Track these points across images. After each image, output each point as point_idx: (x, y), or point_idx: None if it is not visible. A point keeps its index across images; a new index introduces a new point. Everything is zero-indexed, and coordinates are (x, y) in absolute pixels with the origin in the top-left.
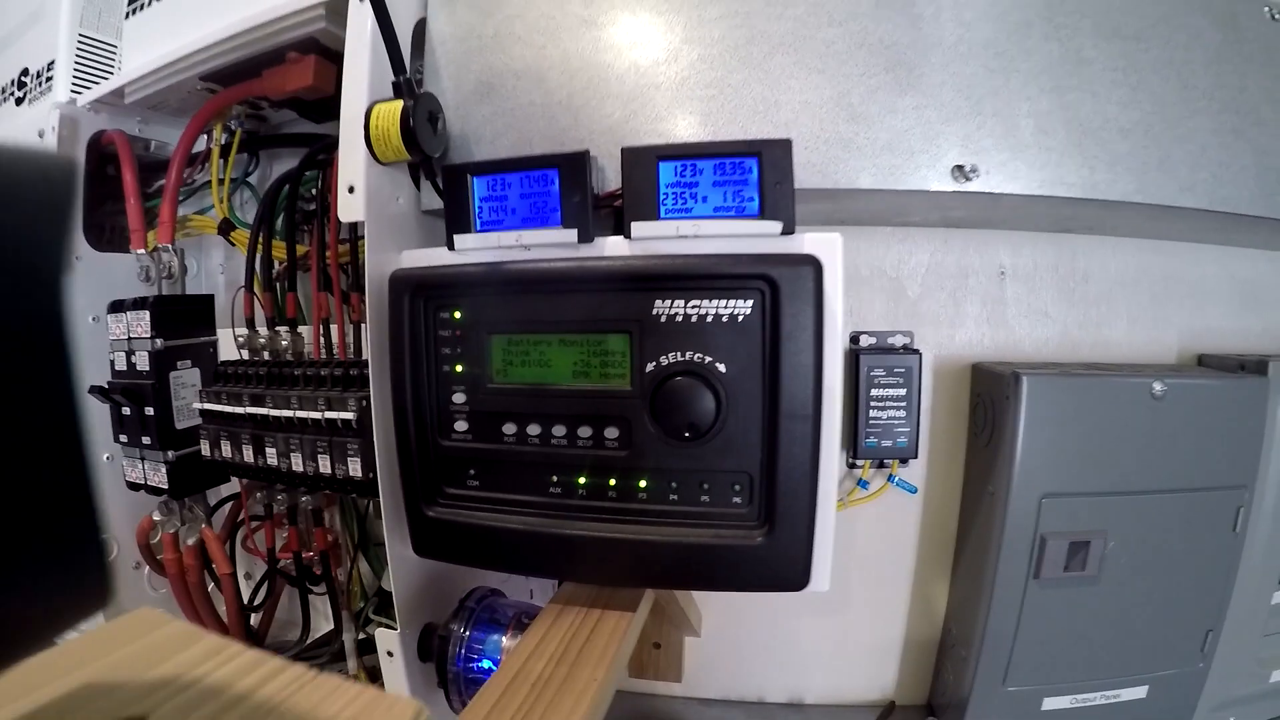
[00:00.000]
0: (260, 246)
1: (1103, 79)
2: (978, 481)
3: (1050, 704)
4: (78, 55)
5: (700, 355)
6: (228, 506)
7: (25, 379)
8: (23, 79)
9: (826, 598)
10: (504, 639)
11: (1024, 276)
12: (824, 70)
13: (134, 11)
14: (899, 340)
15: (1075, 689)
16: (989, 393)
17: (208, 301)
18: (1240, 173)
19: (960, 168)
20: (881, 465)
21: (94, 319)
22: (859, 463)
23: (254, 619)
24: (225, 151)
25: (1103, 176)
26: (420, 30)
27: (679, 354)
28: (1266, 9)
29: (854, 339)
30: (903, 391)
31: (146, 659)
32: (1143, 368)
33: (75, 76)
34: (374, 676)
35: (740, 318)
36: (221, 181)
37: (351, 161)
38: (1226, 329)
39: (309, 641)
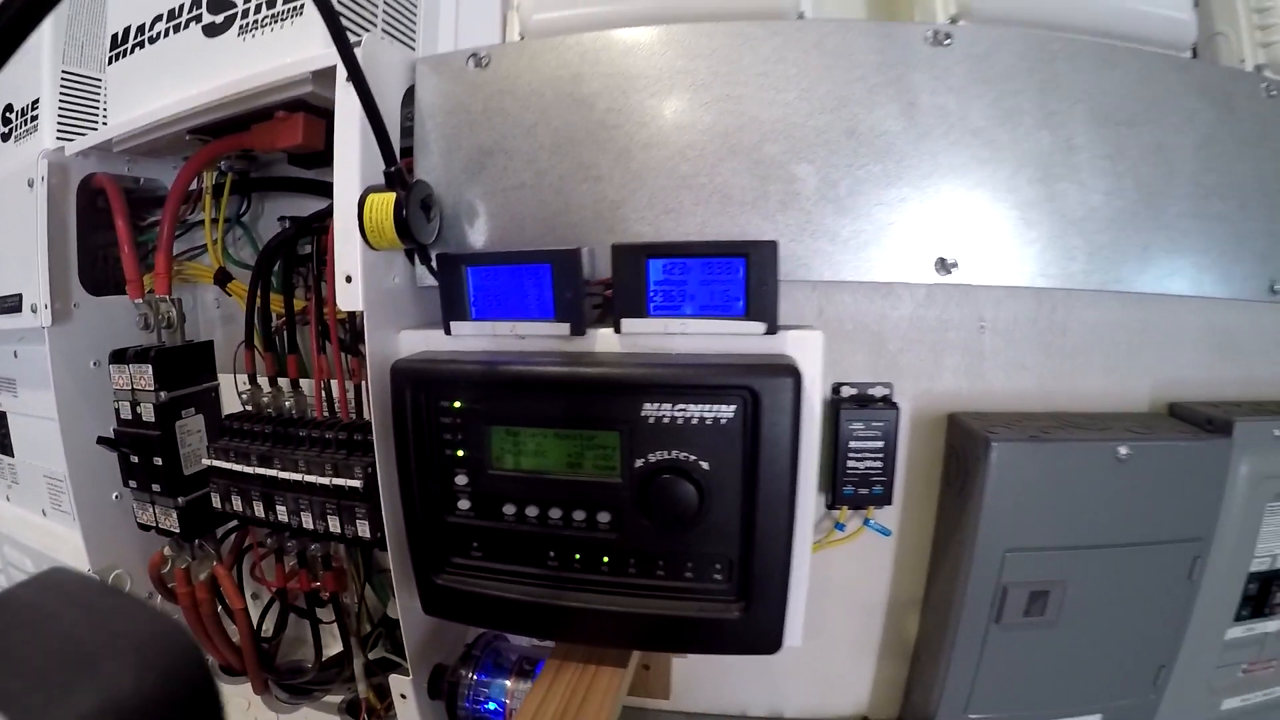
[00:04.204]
0: (259, 300)
1: (1091, 167)
2: (948, 526)
3: None
4: (62, 94)
5: (685, 454)
6: (234, 534)
7: None
8: (7, 115)
9: (805, 623)
10: (508, 682)
11: (1003, 330)
12: (813, 160)
13: (117, 57)
14: (879, 391)
15: (1031, 717)
16: (962, 445)
17: (208, 348)
18: (1220, 258)
19: (943, 260)
20: (858, 508)
21: (95, 364)
22: (837, 508)
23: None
24: (218, 192)
25: (1081, 267)
26: (409, 98)
27: (665, 452)
28: (1264, 85)
29: (835, 389)
30: (880, 444)
31: None
32: (1115, 419)
33: (61, 114)
34: (382, 695)
35: (723, 420)
36: (215, 222)
37: (347, 251)
38: (1201, 378)
39: (324, 661)
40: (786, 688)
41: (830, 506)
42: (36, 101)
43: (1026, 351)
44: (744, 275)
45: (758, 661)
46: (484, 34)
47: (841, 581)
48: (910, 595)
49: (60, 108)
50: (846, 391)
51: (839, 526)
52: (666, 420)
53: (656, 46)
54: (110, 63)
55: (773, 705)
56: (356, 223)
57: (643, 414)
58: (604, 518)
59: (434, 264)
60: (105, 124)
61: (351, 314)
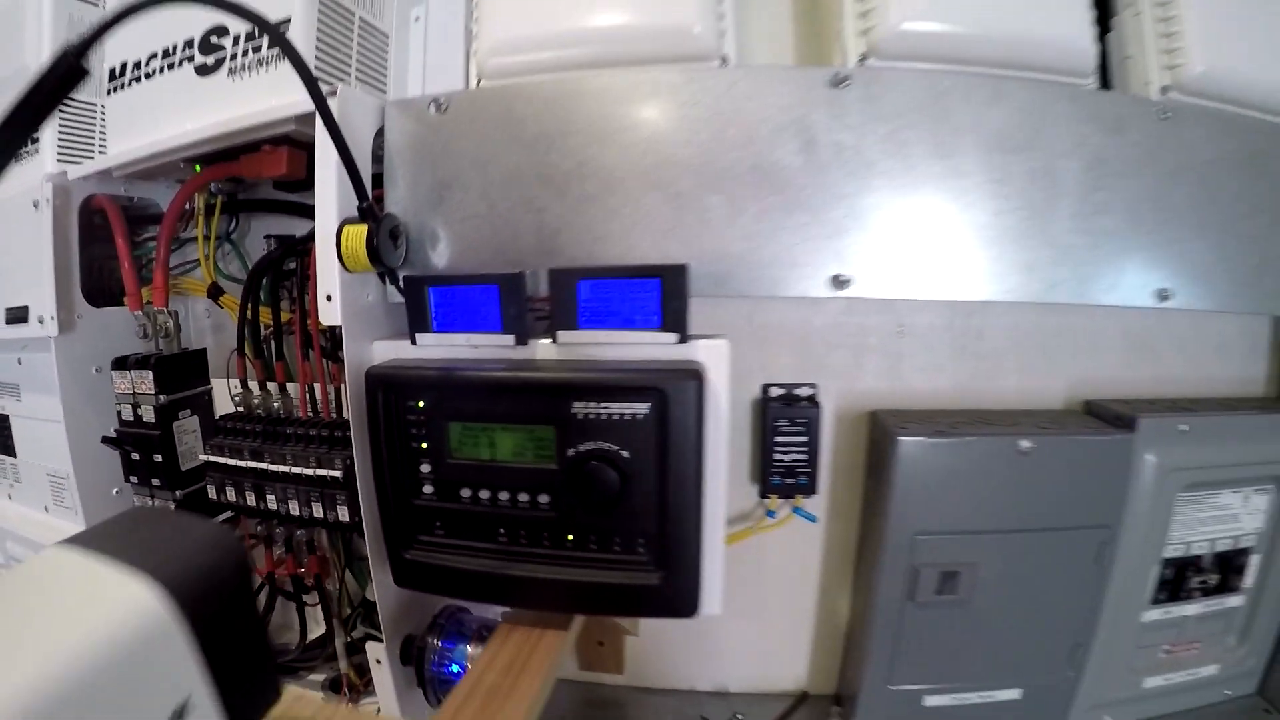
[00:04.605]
0: (249, 314)
1: (979, 190)
2: (870, 513)
3: (931, 701)
4: (62, 119)
5: (609, 445)
6: (226, 525)
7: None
8: None
9: (745, 604)
10: (469, 647)
11: (920, 334)
12: (723, 192)
13: (115, 89)
14: (805, 391)
15: (954, 689)
16: (879, 439)
17: (201, 356)
18: (1107, 268)
19: (837, 278)
20: (786, 496)
21: (96, 369)
22: (767, 496)
23: None
24: (209, 211)
25: (968, 280)
26: (379, 139)
27: (592, 443)
28: (1156, 109)
29: (765, 389)
30: (804, 439)
31: None
32: (1028, 415)
33: (61, 139)
34: (361, 673)
35: (639, 416)
36: (207, 238)
37: (328, 273)
38: (1119, 377)
39: (308, 642)
40: (731, 665)
41: (762, 495)
42: None
43: (943, 354)
44: (659, 293)
45: (704, 639)
46: (449, 76)
47: (777, 564)
48: (841, 577)
49: (60, 133)
50: (774, 392)
51: (770, 514)
52: (593, 416)
53: (590, 94)
54: (109, 93)
55: (718, 681)
56: (335, 250)
57: (573, 411)
58: (544, 499)
59: (401, 284)
60: (104, 149)
61: (331, 327)
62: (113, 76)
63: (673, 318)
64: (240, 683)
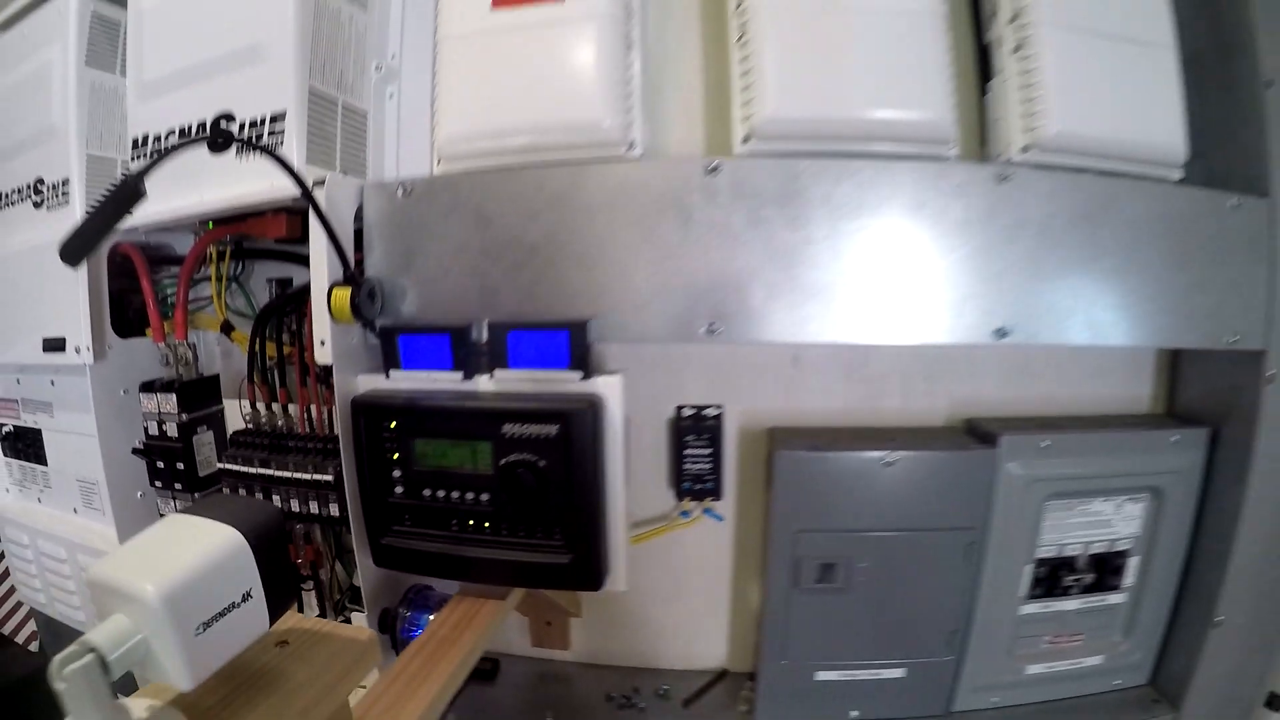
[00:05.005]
0: (257, 348)
1: (827, 254)
2: (767, 514)
3: (822, 676)
4: (89, 176)
5: (530, 456)
6: None
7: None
8: (39, 185)
9: (670, 591)
10: (431, 617)
11: (813, 362)
12: (618, 261)
13: (138, 157)
14: (712, 411)
15: (842, 667)
16: (771, 452)
17: (215, 381)
18: (946, 311)
19: (710, 326)
20: (697, 499)
21: (124, 391)
22: (681, 499)
23: None
24: (220, 257)
25: (817, 327)
26: (359, 214)
27: (518, 455)
28: (993, 173)
29: (679, 410)
30: (709, 451)
31: None
32: (910, 432)
33: (89, 192)
34: None
35: (552, 435)
36: (219, 278)
37: (320, 324)
38: (1002, 397)
39: None
40: (662, 644)
41: (678, 498)
42: (67, 181)
43: (834, 379)
44: (568, 342)
45: (639, 622)
46: (419, 145)
47: (696, 557)
48: (751, 569)
49: (88, 187)
50: (686, 412)
51: (684, 514)
52: (518, 435)
53: (518, 183)
54: (133, 159)
55: (650, 658)
56: (325, 307)
57: (504, 431)
58: (484, 497)
59: (377, 333)
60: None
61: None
62: (135, 145)
63: (578, 360)
64: (277, 586)
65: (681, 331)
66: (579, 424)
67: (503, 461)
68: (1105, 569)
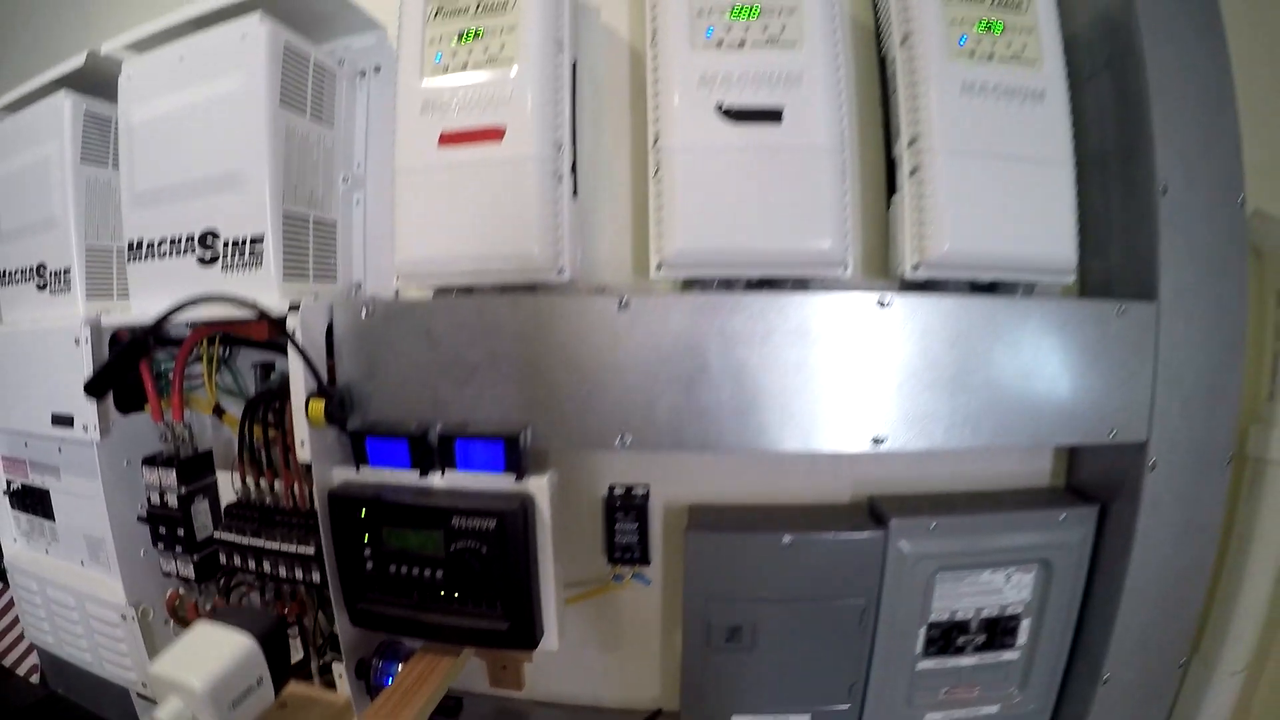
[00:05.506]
0: (247, 433)
1: (721, 378)
2: None
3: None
4: (89, 264)
5: (473, 544)
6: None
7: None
8: (41, 270)
9: (610, 641)
10: (400, 666)
11: None
12: (548, 382)
13: (134, 260)
14: (640, 490)
15: (754, 710)
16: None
17: (209, 456)
18: (828, 423)
19: (622, 437)
20: (631, 565)
21: (127, 462)
22: (613, 565)
23: None
24: (210, 343)
25: (714, 439)
26: (330, 331)
27: (464, 542)
28: (878, 300)
29: (611, 489)
30: (636, 525)
31: None
32: (815, 510)
33: (89, 279)
34: (330, 685)
35: (490, 526)
36: (210, 361)
37: (300, 427)
38: (905, 475)
39: (292, 664)
40: (604, 686)
41: (611, 564)
42: (69, 270)
43: (748, 463)
44: (503, 449)
45: (585, 666)
46: (384, 256)
47: (630, 614)
48: (677, 624)
49: (88, 276)
50: (617, 491)
51: (616, 578)
52: (465, 526)
53: (460, 311)
54: (129, 261)
55: (595, 697)
56: (304, 413)
57: (453, 522)
58: (439, 574)
59: (348, 435)
60: (122, 290)
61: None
62: (131, 248)
63: (512, 464)
64: (279, 670)
65: (603, 440)
66: (512, 520)
67: (452, 547)
68: (997, 630)
